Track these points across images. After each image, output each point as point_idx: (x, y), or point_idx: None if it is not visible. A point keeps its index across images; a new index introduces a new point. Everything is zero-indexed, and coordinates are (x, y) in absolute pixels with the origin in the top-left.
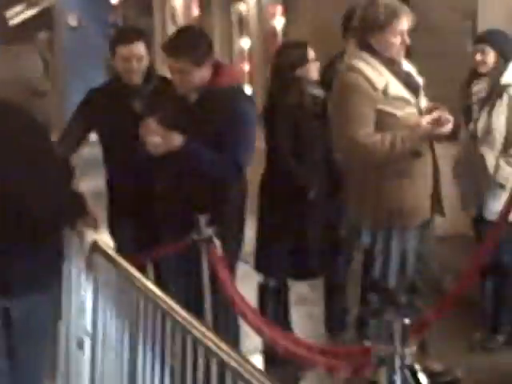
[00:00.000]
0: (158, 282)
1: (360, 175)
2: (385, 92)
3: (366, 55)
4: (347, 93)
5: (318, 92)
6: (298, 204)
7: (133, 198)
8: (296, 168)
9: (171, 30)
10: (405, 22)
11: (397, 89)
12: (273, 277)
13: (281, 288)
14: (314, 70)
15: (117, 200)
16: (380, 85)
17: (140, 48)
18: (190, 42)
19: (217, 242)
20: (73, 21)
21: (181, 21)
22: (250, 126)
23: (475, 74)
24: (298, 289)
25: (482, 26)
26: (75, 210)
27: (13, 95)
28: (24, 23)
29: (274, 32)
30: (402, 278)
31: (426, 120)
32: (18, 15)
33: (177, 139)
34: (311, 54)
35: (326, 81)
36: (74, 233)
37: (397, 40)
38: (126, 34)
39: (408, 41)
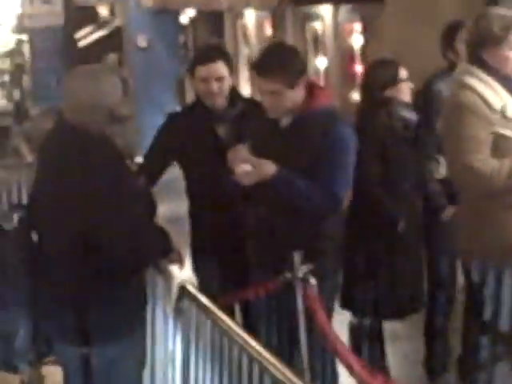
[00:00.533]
0: (246, 325)
1: (472, 205)
2: (502, 113)
3: (479, 72)
4: (461, 113)
5: (410, 115)
6: (386, 237)
7: (217, 232)
8: (384, 197)
9: (243, 50)
10: None
11: None
12: (365, 316)
13: (374, 327)
14: (405, 91)
15: (200, 234)
16: (497, 105)
17: (220, 68)
18: (283, 61)
19: (313, 282)
20: (142, 42)
21: (253, 40)
22: (349, 153)
23: None
24: (389, 325)
25: None
26: (160, 248)
27: (92, 122)
28: (93, 44)
29: (351, 51)
30: None
31: None
32: (87, 36)
33: (269, 168)
34: (403, 73)
35: (420, 103)
36: (158, 272)
37: None
38: (205, 53)
39: None
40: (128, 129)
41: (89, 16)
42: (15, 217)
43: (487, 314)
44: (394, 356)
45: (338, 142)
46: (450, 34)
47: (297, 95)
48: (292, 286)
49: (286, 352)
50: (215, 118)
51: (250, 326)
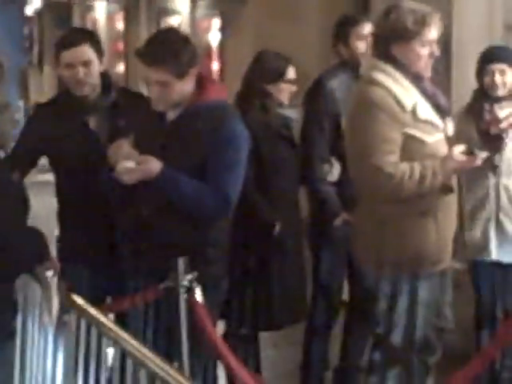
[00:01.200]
0: None
1: (373, 210)
2: (413, 113)
3: (390, 68)
4: (371, 111)
5: (289, 112)
6: (262, 242)
7: (89, 234)
8: (258, 198)
9: None
10: (434, 31)
11: (426, 110)
12: (240, 327)
13: (250, 337)
14: (286, 93)
15: (69, 238)
16: (408, 104)
17: (86, 51)
18: (173, 49)
19: (198, 290)
20: None
21: (104, 35)
22: (241, 151)
23: (484, 97)
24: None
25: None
26: (34, 253)
27: None
28: None
29: (208, 48)
30: (411, 334)
31: (458, 150)
32: None
33: (154, 166)
34: (291, 73)
35: (308, 102)
36: (31, 278)
37: (425, 51)
38: (68, 37)
39: (437, 52)
40: (3, 118)
41: None
42: None
43: (381, 326)
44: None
45: (230, 139)
46: (343, 28)
47: (186, 87)
48: (173, 295)
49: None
50: (85, 109)
51: None
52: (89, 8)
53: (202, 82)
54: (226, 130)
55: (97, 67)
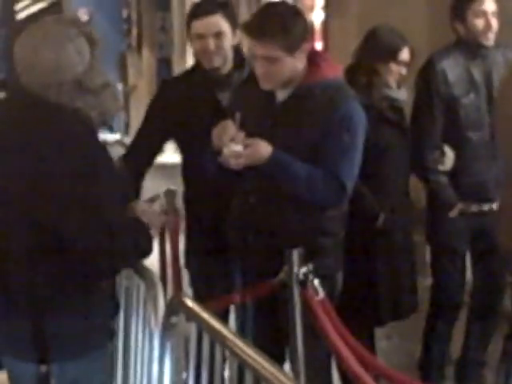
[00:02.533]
0: None
1: None
2: None
3: None
4: None
5: (398, 94)
6: (365, 233)
7: (210, 221)
8: (360, 186)
9: None
10: None
11: None
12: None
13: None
14: (395, 76)
15: (194, 222)
16: None
17: (218, 21)
18: (283, 22)
19: (316, 282)
20: (83, 15)
21: None
22: (358, 135)
23: None
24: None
25: None
26: (139, 248)
27: (59, 97)
28: (32, 17)
29: (312, 27)
30: None
31: None
32: (26, 8)
33: (264, 149)
34: (405, 55)
35: (419, 84)
36: (136, 274)
37: None
38: (201, 6)
39: None
40: (104, 98)
41: None
42: None
43: None
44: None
45: (346, 121)
46: (459, 4)
47: (297, 64)
48: (286, 289)
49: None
50: (216, 84)
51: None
52: None
53: (315, 58)
54: (341, 111)
55: (229, 40)
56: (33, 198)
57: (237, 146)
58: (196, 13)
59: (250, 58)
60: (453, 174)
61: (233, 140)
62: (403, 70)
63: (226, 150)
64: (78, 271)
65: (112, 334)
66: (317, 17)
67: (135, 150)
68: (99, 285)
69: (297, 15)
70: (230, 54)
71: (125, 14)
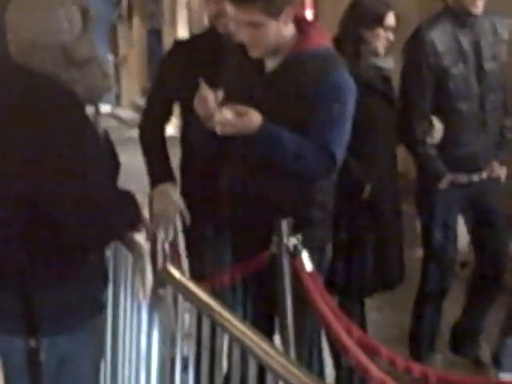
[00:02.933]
0: None
1: None
2: None
3: None
4: None
5: (385, 63)
6: (351, 204)
7: (200, 195)
8: (347, 157)
9: None
10: None
11: None
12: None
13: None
14: (382, 42)
15: (188, 194)
16: None
17: None
18: None
19: (304, 253)
20: None
21: None
22: (348, 105)
23: None
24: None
25: None
26: (127, 219)
27: (43, 65)
28: None
29: None
30: None
31: None
32: None
33: (254, 119)
34: (391, 19)
35: (407, 55)
36: (123, 246)
37: None
38: None
39: None
40: (89, 73)
41: None
42: None
43: None
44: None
45: (336, 90)
46: None
47: (283, 29)
48: (278, 260)
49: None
50: (231, 48)
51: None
52: None
53: (303, 26)
54: (331, 81)
55: None
56: (18, 170)
57: (228, 113)
58: None
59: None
60: (442, 146)
61: (223, 107)
62: (390, 36)
63: (218, 116)
64: (66, 244)
65: (102, 307)
66: None
67: (151, 116)
68: (88, 257)
69: None
70: None
71: None
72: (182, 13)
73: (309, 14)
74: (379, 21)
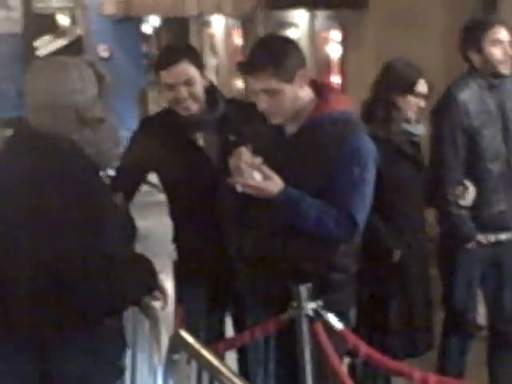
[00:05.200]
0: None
1: None
2: None
3: None
4: None
5: (416, 129)
6: (380, 270)
7: (205, 259)
8: (375, 221)
9: (210, 60)
10: None
11: None
12: None
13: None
14: (413, 109)
15: (185, 261)
16: None
17: (186, 69)
18: (271, 52)
19: (329, 316)
20: (104, 51)
21: (221, 50)
22: (368, 169)
23: None
24: None
25: None
26: (143, 284)
27: (55, 125)
28: (53, 54)
29: (328, 61)
30: None
31: None
32: (46, 45)
33: (276, 184)
34: (422, 87)
35: (437, 117)
36: (140, 311)
37: None
38: (165, 56)
39: None
40: (101, 135)
41: (49, 24)
42: None
43: None
44: None
45: (356, 154)
46: (474, 32)
47: (299, 92)
48: (295, 325)
49: None
50: (191, 126)
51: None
52: (206, 23)
53: (323, 91)
54: (351, 145)
55: (200, 83)
56: (34, 237)
57: (256, 174)
58: (162, 63)
59: (252, 95)
60: (472, 206)
61: (251, 166)
62: (421, 103)
63: (246, 175)
64: (83, 310)
65: (120, 372)
66: (334, 51)
67: (118, 186)
68: (105, 323)
69: (286, 43)
70: (202, 96)
71: (144, 49)
72: (211, 77)
73: (336, 80)
74: (410, 88)
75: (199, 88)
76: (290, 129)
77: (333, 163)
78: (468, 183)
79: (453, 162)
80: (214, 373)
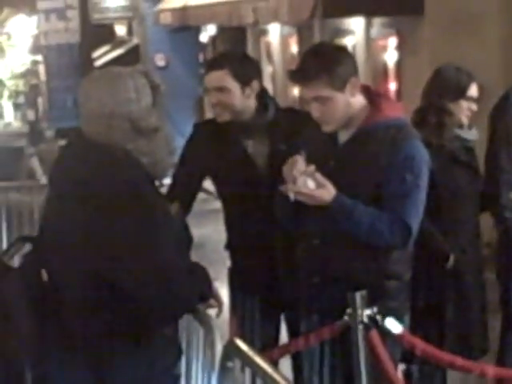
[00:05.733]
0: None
1: None
2: None
3: None
4: None
5: (469, 134)
6: (434, 275)
7: (257, 265)
8: (430, 227)
9: (267, 68)
10: None
11: None
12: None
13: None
14: (466, 113)
15: (238, 269)
16: None
17: (221, 77)
18: (323, 60)
19: (388, 320)
20: (161, 61)
21: (277, 58)
22: (421, 176)
23: None
24: None
25: None
26: (198, 292)
27: (110, 135)
28: (110, 64)
29: (385, 68)
30: None
31: None
32: (104, 55)
33: (329, 191)
34: (474, 91)
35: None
36: (195, 319)
37: None
38: (210, 61)
39: None
40: (156, 145)
41: (106, 34)
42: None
43: None
44: None
45: (409, 161)
46: None
47: (351, 100)
48: (350, 332)
49: None
50: (241, 132)
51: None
52: (262, 32)
53: (375, 98)
54: (404, 152)
55: (236, 95)
56: (88, 249)
57: (310, 182)
58: (207, 66)
59: (304, 103)
60: None
61: (304, 173)
62: (473, 106)
63: (299, 183)
64: (137, 319)
65: (176, 380)
66: (390, 57)
67: (174, 195)
68: (161, 331)
69: (338, 51)
70: (240, 107)
71: (201, 58)
72: (267, 85)
73: (392, 86)
74: (462, 92)
75: (232, 98)
76: (343, 136)
77: (386, 170)
78: None
79: (508, 165)
80: (268, 380)
